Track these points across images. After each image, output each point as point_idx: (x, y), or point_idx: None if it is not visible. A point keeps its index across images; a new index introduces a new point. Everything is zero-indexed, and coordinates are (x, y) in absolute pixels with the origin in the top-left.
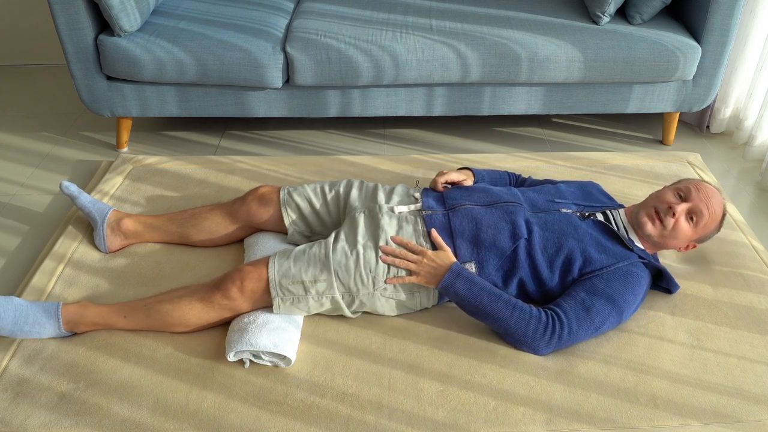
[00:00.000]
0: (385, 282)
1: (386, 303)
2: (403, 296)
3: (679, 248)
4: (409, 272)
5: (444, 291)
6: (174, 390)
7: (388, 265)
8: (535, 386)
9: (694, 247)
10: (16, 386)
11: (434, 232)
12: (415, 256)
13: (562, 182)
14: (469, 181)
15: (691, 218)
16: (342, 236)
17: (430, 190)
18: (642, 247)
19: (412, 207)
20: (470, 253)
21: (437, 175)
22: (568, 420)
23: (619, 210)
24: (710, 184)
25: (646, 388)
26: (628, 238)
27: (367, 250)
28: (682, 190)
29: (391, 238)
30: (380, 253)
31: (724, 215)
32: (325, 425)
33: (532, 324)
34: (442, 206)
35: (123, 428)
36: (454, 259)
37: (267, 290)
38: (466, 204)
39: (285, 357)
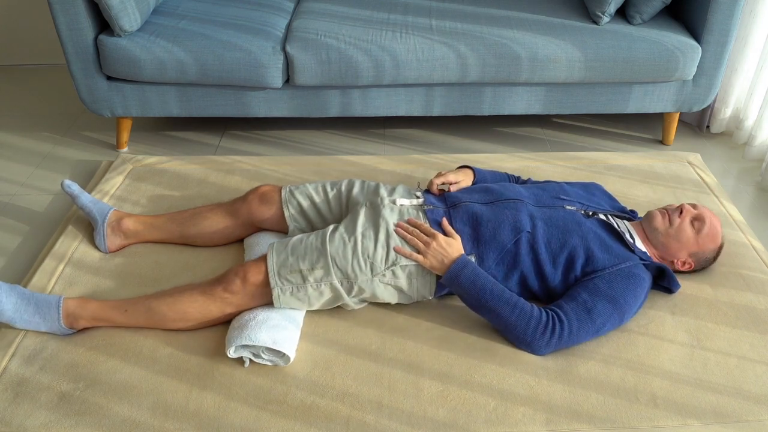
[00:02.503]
0: (394, 249)
1: (385, 290)
2: (401, 283)
3: (677, 261)
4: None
5: (448, 281)
6: (174, 390)
7: (387, 252)
8: (535, 386)
9: (690, 266)
10: (16, 386)
11: (445, 221)
12: (425, 237)
13: (565, 183)
14: (466, 182)
15: (694, 225)
16: (342, 225)
17: (431, 192)
18: (644, 250)
19: (414, 202)
20: (470, 247)
21: (435, 177)
22: (568, 420)
23: (625, 221)
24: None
25: (646, 388)
26: (632, 240)
27: (365, 238)
28: (693, 204)
29: (408, 220)
30: (395, 227)
31: (721, 246)
32: (325, 425)
33: (532, 323)
34: (444, 204)
35: (123, 428)
36: (462, 251)
37: (267, 284)
38: (467, 201)
39: (284, 355)
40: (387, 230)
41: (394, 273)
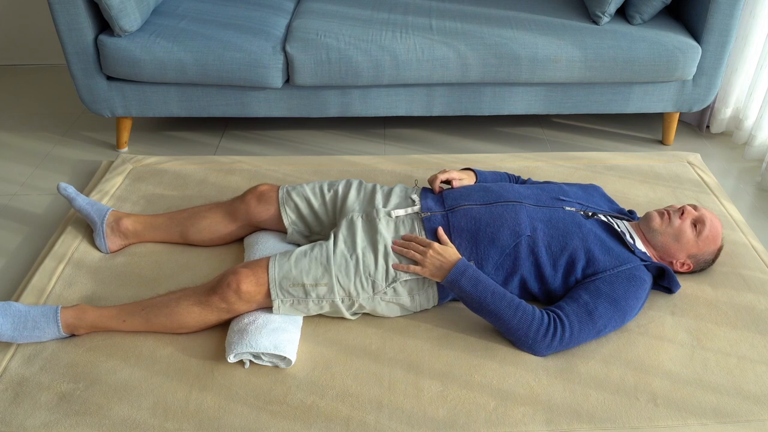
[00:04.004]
0: (393, 267)
1: (386, 306)
2: (403, 300)
3: (676, 262)
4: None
5: (448, 286)
6: (174, 390)
7: (386, 269)
8: (535, 386)
9: (689, 267)
10: (16, 386)
11: (440, 230)
12: (422, 248)
13: (564, 183)
14: (468, 181)
15: (695, 227)
16: (341, 239)
17: (429, 191)
18: (644, 250)
19: (410, 210)
20: (469, 252)
21: (439, 173)
22: (568, 420)
23: (624, 222)
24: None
25: (646, 388)
26: (632, 241)
27: (366, 255)
28: (694, 205)
29: (403, 236)
30: (392, 245)
31: (720, 248)
32: (325, 425)
33: (534, 325)
34: (441, 207)
35: (123, 428)
36: (460, 256)
37: (265, 293)
38: (466, 204)
39: (285, 358)
40: (385, 246)
41: (395, 290)
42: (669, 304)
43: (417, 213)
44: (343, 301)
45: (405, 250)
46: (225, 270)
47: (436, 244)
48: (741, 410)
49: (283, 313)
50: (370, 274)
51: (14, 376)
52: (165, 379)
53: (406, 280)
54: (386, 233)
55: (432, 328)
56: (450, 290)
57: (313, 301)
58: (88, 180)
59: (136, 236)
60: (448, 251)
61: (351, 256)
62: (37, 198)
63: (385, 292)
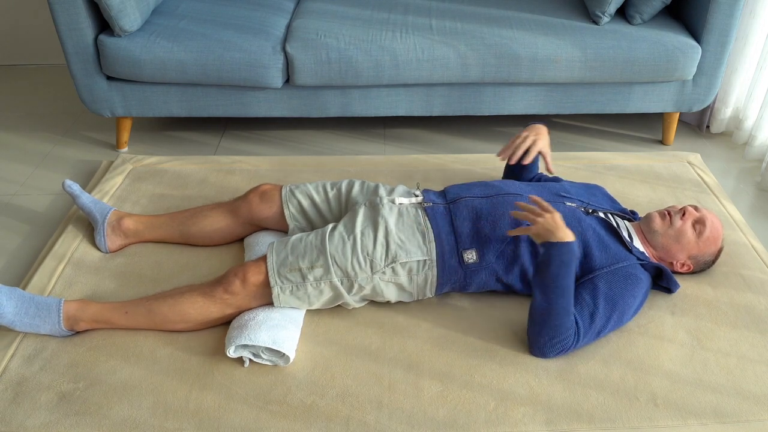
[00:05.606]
0: (508, 234)
1: (386, 287)
2: (401, 280)
3: (676, 262)
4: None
5: (543, 248)
6: (174, 390)
7: (386, 250)
8: (535, 386)
9: (689, 268)
10: (16, 386)
11: (535, 198)
12: (544, 212)
13: (567, 182)
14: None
15: (696, 227)
16: (341, 224)
17: (431, 189)
18: (642, 250)
19: (414, 200)
20: (471, 240)
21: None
22: (568, 420)
23: (625, 221)
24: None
25: (646, 388)
26: (630, 240)
27: (364, 236)
28: (695, 206)
29: (528, 196)
30: (513, 212)
31: (721, 249)
32: (325, 425)
33: (562, 335)
34: (443, 200)
35: (123, 428)
36: (574, 239)
37: (268, 284)
38: (467, 196)
39: (284, 355)
40: (386, 228)
41: (394, 270)
42: (669, 304)
43: (420, 203)
44: (342, 282)
45: (526, 213)
46: (229, 268)
47: (559, 215)
48: (741, 410)
49: (284, 303)
50: (368, 253)
51: (14, 376)
52: (165, 378)
53: (405, 261)
54: (389, 217)
55: (432, 328)
56: (540, 252)
57: (311, 284)
58: (88, 180)
59: (136, 236)
60: (567, 230)
61: (348, 236)
62: (37, 198)
63: (383, 272)
